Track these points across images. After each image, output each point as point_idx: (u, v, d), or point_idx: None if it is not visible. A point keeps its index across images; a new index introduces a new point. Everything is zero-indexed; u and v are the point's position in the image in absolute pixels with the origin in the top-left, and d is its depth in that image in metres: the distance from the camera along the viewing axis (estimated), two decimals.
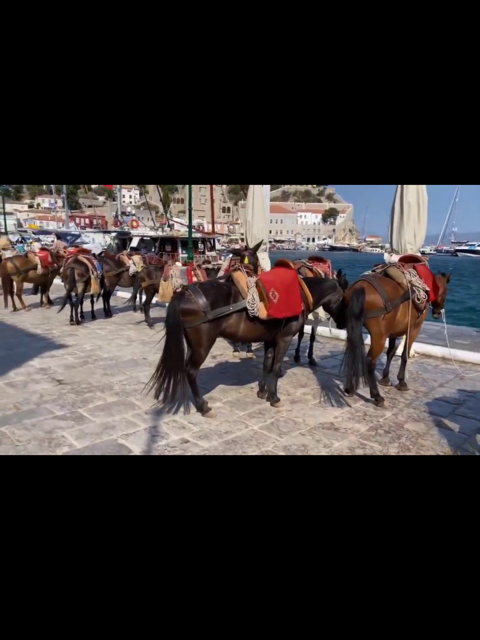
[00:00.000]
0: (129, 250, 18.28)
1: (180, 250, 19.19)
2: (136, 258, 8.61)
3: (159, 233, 21.12)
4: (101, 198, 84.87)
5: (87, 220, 63.53)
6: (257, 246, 4.63)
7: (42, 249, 8.98)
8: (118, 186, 31.04)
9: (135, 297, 8.44)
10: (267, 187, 7.72)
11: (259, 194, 7.31)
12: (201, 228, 24.52)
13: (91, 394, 3.98)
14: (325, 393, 4.20)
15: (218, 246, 20.62)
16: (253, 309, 3.30)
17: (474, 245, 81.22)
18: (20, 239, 21.30)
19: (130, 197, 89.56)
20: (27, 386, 4.12)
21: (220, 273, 5.81)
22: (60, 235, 23.21)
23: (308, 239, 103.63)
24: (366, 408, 3.89)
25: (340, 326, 4.23)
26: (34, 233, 26.31)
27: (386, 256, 5.81)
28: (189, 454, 2.87)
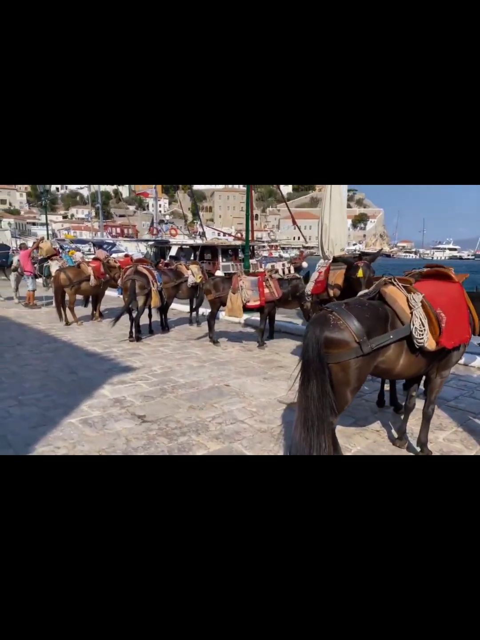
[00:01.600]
0: (168, 259, 17.90)
1: (220, 258, 18.60)
2: (194, 268, 7.97)
3: (198, 241, 20.61)
4: (131, 208, 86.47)
5: (118, 230, 64.59)
6: (376, 256, 3.78)
7: (95, 259, 8.46)
8: (153, 194, 30.99)
9: (197, 311, 7.78)
10: (345, 186, 6.86)
11: (337, 193, 6.47)
12: (240, 235, 23.81)
13: (185, 437, 3.23)
14: (478, 440, 3.28)
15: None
16: (421, 338, 2.45)
17: None
18: (59, 248, 21.32)
19: (160, 205, 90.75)
20: (107, 425, 3.42)
21: (310, 285, 4.99)
22: (97, 244, 23.15)
23: None
24: None
25: None
26: (71, 242, 26.43)
27: None
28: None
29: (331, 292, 4.29)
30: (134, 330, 6.58)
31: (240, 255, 19.43)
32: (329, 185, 6.41)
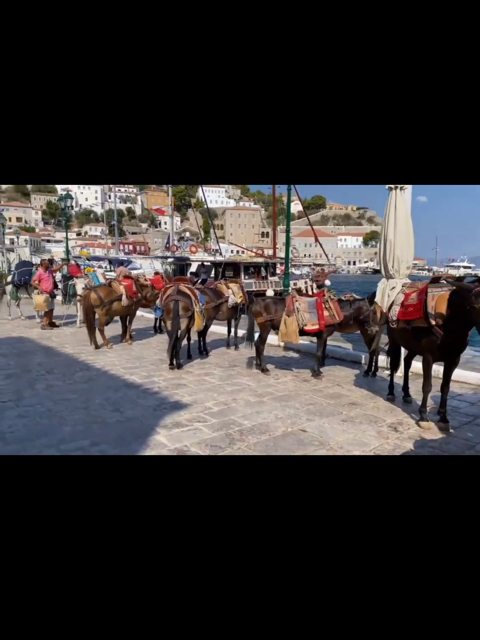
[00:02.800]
0: (188, 275, 17.35)
1: (243, 275, 18.03)
2: (235, 287, 7.31)
3: (219, 258, 20.10)
4: (144, 225, 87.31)
5: (131, 247, 64.89)
6: None
7: (126, 277, 7.85)
8: (169, 212, 30.90)
9: (235, 334, 7.06)
10: (409, 192, 6.14)
11: (402, 201, 5.77)
12: (262, 252, 23.31)
13: None
14: None
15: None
16: None
17: None
18: (80, 267, 20.92)
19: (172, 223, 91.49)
20: None
21: (396, 309, 4.24)
22: (112, 261, 22.77)
23: (348, 262, 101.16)
24: None
25: None
26: (87, 259, 26.12)
27: None
28: None
29: (433, 322, 3.55)
30: (175, 357, 5.88)
31: (263, 272, 18.88)
32: (394, 195, 5.74)
